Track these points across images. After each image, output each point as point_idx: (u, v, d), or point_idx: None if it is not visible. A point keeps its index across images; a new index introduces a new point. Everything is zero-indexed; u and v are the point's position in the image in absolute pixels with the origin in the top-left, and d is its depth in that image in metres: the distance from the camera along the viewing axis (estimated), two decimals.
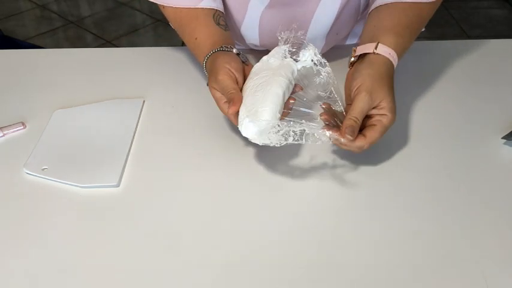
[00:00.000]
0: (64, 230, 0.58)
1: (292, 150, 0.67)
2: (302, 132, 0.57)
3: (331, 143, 0.59)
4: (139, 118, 0.74)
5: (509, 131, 0.68)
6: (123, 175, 0.64)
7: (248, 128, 0.58)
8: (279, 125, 0.57)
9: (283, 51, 0.67)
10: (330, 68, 0.65)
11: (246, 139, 0.66)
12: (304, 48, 0.66)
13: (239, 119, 0.60)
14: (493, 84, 0.80)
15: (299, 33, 0.67)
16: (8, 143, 0.70)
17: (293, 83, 0.64)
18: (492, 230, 0.57)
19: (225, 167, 0.65)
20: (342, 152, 0.67)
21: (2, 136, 0.71)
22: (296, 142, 0.57)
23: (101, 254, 0.55)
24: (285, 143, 0.57)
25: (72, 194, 0.62)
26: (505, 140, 0.68)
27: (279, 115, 0.60)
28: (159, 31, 2.57)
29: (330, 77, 0.65)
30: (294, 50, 0.68)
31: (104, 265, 0.54)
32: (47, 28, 2.70)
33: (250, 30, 0.82)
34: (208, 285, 0.52)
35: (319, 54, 0.66)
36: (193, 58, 0.87)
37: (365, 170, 0.65)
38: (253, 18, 0.79)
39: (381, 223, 0.58)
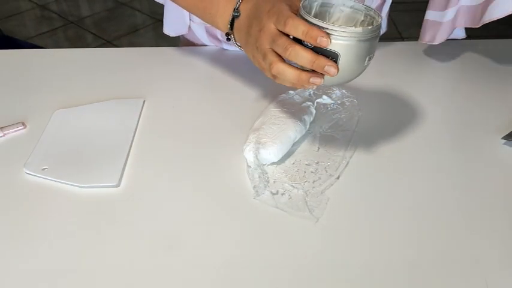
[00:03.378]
0: (64, 230, 0.58)
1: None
2: (289, 197, 0.60)
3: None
4: (139, 118, 0.74)
5: (509, 131, 0.68)
6: (123, 175, 0.64)
7: (251, 151, 0.63)
8: (274, 181, 0.62)
9: (307, 93, 0.74)
10: (356, 101, 0.74)
11: (245, 139, 0.66)
12: (331, 92, 0.75)
13: (248, 139, 0.65)
14: (493, 84, 0.80)
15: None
16: (8, 143, 0.70)
17: (307, 126, 0.69)
18: (492, 230, 0.57)
19: (225, 167, 0.65)
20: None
21: (2, 136, 0.70)
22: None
23: (101, 254, 0.55)
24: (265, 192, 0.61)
25: (72, 194, 0.62)
26: (505, 140, 0.68)
27: (281, 155, 0.64)
28: (159, 31, 2.56)
29: (354, 107, 0.73)
30: (319, 93, 0.74)
31: (104, 265, 0.54)
32: (47, 28, 2.70)
33: None
34: (208, 285, 0.52)
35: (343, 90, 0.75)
36: (194, 58, 0.87)
37: (364, 170, 0.65)
38: None
39: (380, 223, 0.58)
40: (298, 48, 0.53)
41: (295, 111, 0.69)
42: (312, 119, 0.70)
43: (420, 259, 0.54)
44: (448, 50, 0.88)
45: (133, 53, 0.92)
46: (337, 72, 0.53)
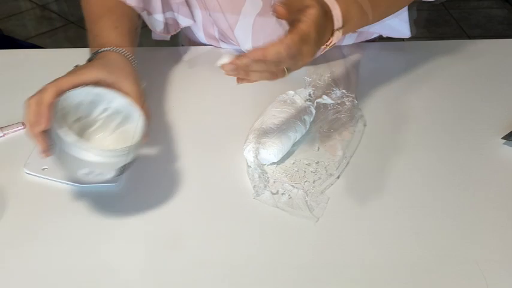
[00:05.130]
0: (64, 230, 0.58)
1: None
2: (289, 196, 0.60)
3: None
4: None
5: (509, 131, 0.68)
6: (123, 175, 0.64)
7: (251, 151, 0.63)
8: (274, 181, 0.62)
9: (307, 93, 0.73)
10: (356, 101, 0.74)
11: (245, 139, 0.66)
12: (331, 92, 0.75)
13: (248, 139, 0.65)
14: (493, 84, 0.80)
15: (326, 77, 0.77)
16: (8, 143, 0.70)
17: (308, 126, 0.69)
18: (492, 229, 0.57)
19: (225, 167, 0.65)
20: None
21: (2, 136, 0.70)
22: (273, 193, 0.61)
23: (101, 254, 0.55)
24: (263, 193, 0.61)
25: (72, 194, 0.62)
26: (505, 140, 0.68)
27: (281, 156, 0.64)
28: None
29: (354, 107, 0.73)
30: (319, 93, 0.74)
31: (104, 265, 0.54)
32: (47, 28, 2.69)
33: (244, 35, 0.82)
34: (209, 284, 0.52)
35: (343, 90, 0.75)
36: (193, 58, 0.87)
37: (364, 170, 0.65)
38: (247, 23, 0.80)
39: (380, 223, 0.58)
40: (32, 102, 0.56)
41: (295, 111, 0.69)
42: (312, 119, 0.70)
43: (420, 259, 0.54)
44: (448, 50, 0.88)
45: None
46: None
